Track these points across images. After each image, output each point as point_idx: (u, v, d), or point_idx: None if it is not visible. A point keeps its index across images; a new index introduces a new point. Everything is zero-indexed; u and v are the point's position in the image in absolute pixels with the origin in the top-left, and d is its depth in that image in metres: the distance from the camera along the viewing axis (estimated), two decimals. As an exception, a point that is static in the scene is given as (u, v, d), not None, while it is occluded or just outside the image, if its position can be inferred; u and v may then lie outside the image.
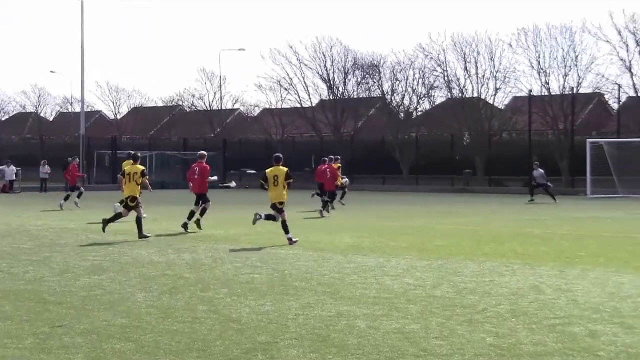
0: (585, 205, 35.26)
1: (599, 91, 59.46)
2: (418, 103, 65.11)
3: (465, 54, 60.96)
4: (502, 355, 8.02)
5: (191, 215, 22.74)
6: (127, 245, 18.46)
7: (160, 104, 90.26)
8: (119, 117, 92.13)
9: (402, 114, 66.03)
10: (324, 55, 68.31)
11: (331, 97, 68.92)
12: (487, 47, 60.48)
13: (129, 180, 20.69)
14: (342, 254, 16.54)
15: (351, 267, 14.45)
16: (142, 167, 21.13)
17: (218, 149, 68.06)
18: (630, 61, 53.72)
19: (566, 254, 16.52)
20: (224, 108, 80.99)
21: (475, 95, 61.02)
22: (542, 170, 38.28)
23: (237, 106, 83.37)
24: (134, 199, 20.58)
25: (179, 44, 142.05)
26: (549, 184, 38.56)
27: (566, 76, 56.57)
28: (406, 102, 65.36)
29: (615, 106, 58.79)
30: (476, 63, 60.72)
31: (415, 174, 59.49)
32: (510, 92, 62.29)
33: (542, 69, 57.32)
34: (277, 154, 19.93)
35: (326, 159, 31.83)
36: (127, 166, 21.43)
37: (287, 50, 72.26)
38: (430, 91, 64.08)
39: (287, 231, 18.82)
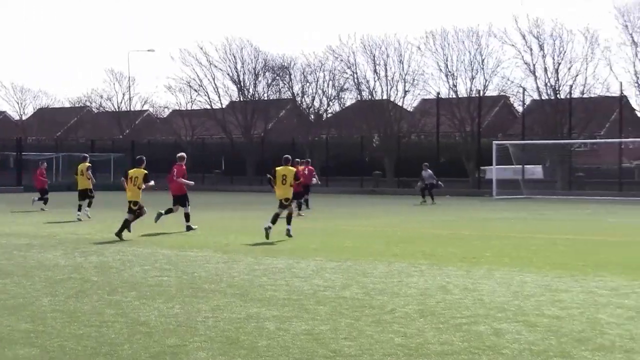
0: (490, 206, 35.94)
1: (504, 94, 60.75)
2: (328, 105, 65.56)
3: (374, 57, 61.59)
4: (410, 355, 8.11)
5: (168, 211, 23.20)
6: (32, 248, 18.08)
7: (67, 105, 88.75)
8: (24, 117, 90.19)
9: (312, 116, 66.32)
10: (234, 57, 68.17)
11: (241, 99, 68.77)
12: (396, 50, 61.23)
13: (132, 184, 21.08)
14: (252, 256, 16.50)
15: (261, 269, 14.43)
16: (144, 171, 21.31)
17: (126, 151, 67.24)
18: (534, 64, 55.06)
19: (472, 254, 16.80)
20: (132, 109, 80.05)
21: (385, 97, 61.66)
22: (430, 171, 38.73)
23: (146, 107, 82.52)
24: (136, 202, 21.09)
25: (87, 44, 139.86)
26: (439, 183, 39.15)
27: (473, 79, 57.66)
28: (316, 103, 65.74)
29: (520, 109, 60.08)
30: (385, 65, 61.40)
31: (325, 175, 59.73)
32: (419, 94, 63.22)
33: (449, 71, 58.27)
34: (286, 155, 21.52)
35: (298, 160, 31.73)
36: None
37: (196, 51, 72.08)
38: (340, 93, 64.57)
39: (289, 222, 20.71)
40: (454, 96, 58.21)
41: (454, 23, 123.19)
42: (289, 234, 20.34)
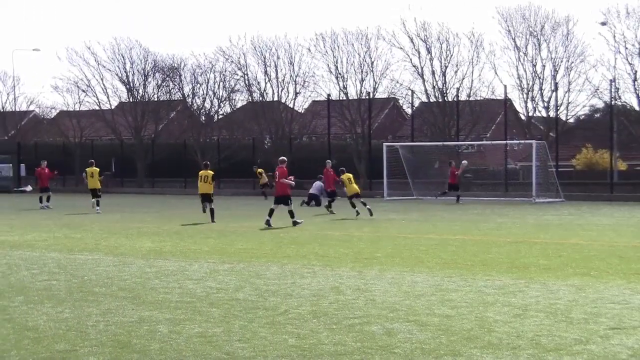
0: (381, 207, 36.36)
1: (393, 96, 61.54)
2: (219, 106, 65.19)
3: (265, 58, 61.53)
4: (304, 356, 8.15)
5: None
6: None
7: (29, 108, 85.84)
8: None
9: (203, 117, 65.87)
10: (123, 57, 67.13)
11: (131, 100, 67.79)
12: (286, 51, 61.32)
13: (203, 181, 27.96)
14: (144, 258, 16.31)
15: (153, 272, 14.28)
16: (212, 172, 28.30)
17: (12, 152, 65.47)
18: (422, 67, 55.97)
19: (364, 254, 16.98)
20: (18, 109, 77.96)
21: (276, 98, 61.72)
22: (320, 183, 38.94)
23: (32, 108, 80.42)
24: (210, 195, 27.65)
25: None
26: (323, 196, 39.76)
27: (363, 81, 58.19)
28: (207, 105, 65.27)
29: (409, 111, 61.00)
30: (276, 67, 61.44)
31: (217, 177, 59.43)
32: (310, 96, 63.44)
33: (339, 73, 58.70)
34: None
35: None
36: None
37: (84, 50, 70.59)
38: (231, 94, 64.29)
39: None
40: (345, 98, 58.71)
41: (343, 25, 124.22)
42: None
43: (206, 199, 27.89)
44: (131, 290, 12.22)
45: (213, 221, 26.68)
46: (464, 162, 42.25)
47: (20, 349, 8.44)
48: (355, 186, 30.63)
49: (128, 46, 67.54)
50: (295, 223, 24.93)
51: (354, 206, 29.91)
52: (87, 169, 34.83)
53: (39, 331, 9.27)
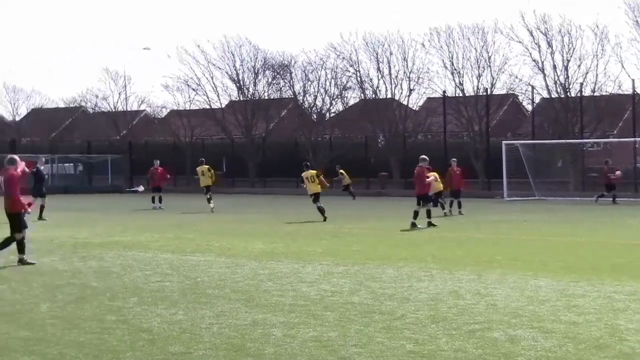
0: (501, 208, 35.91)
1: (512, 92, 60.59)
2: (331, 104, 65.38)
3: (377, 54, 61.49)
4: (423, 362, 8.09)
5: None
6: (29, 253, 18.04)
7: (62, 105, 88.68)
8: (17, 118, 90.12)
9: (314, 115, 66.23)
10: (233, 55, 68.07)
11: (241, 98, 68.67)
12: (399, 47, 61.13)
13: (310, 182, 29.06)
14: (256, 260, 16.50)
15: (265, 274, 14.42)
16: (314, 172, 29.63)
17: (124, 152, 67.22)
18: (543, 62, 54.87)
19: (483, 257, 16.77)
20: (129, 109, 80.00)
21: (389, 96, 61.59)
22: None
23: (143, 107, 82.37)
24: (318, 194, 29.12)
25: (81, 42, 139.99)
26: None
27: (480, 77, 57.54)
28: (318, 102, 65.56)
29: (529, 107, 59.99)
30: (389, 63, 61.33)
31: (329, 176, 59.74)
32: (424, 92, 63.07)
33: (455, 69, 58.18)
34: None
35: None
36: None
37: (194, 49, 71.70)
38: (343, 92, 64.43)
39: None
40: (461, 94, 58.13)
41: (458, 19, 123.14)
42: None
43: (316, 198, 28.64)
44: (244, 292, 12.37)
45: (324, 217, 27.77)
46: (618, 172, 40.63)
47: (135, 350, 8.64)
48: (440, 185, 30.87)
49: (238, 44, 68.46)
50: (414, 225, 24.75)
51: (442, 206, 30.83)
52: (197, 168, 35.77)
53: (153, 333, 9.48)
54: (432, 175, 27.53)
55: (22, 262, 16.08)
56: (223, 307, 11.06)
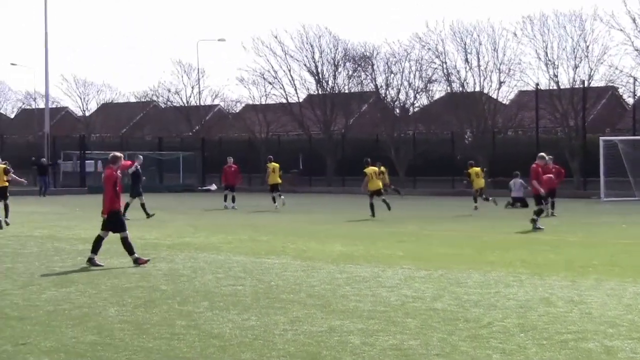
0: (598, 209, 35.37)
1: (612, 84, 59.53)
2: (415, 98, 65.10)
3: (465, 44, 61.01)
4: (510, 374, 8.03)
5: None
6: (98, 254, 18.38)
7: (133, 100, 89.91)
8: (87, 113, 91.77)
9: (397, 110, 66.07)
10: (312, 46, 68.29)
11: (320, 92, 68.84)
12: (489, 37, 60.54)
13: (376, 177, 31.62)
14: (333, 263, 16.54)
15: (343, 278, 14.45)
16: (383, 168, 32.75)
17: (196, 149, 67.95)
18: (646, 52, 53.81)
19: (578, 262, 16.55)
20: (202, 104, 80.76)
21: (477, 89, 61.05)
22: (521, 181, 38.13)
23: (216, 102, 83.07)
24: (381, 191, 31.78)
25: (153, 33, 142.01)
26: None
27: (576, 68, 56.64)
28: (402, 96, 65.34)
29: (630, 101, 58.90)
30: (478, 54, 60.78)
31: (412, 175, 59.59)
32: (516, 85, 62.28)
33: (549, 60, 57.37)
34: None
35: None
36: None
37: (270, 40, 71.95)
38: (428, 85, 64.08)
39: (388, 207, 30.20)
40: (555, 87, 57.34)
41: (553, 6, 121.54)
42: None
43: (377, 194, 30.98)
44: (320, 297, 12.42)
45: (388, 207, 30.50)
46: None
47: (206, 357, 8.74)
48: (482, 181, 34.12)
49: (317, 34, 68.65)
50: (534, 221, 24.59)
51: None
52: (268, 165, 36.57)
53: (225, 339, 9.57)
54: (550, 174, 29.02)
55: (136, 262, 16.37)
56: (298, 313, 11.12)
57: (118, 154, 17.29)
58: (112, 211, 16.73)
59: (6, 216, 27.57)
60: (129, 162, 17.93)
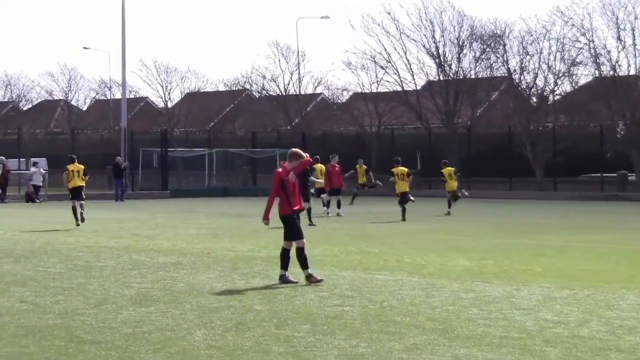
0: None
1: None
2: (555, 84, 64.37)
3: (617, 19, 60.05)
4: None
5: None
6: (182, 268, 18.65)
7: (222, 88, 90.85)
8: (169, 104, 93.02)
9: (534, 98, 65.40)
10: (432, 24, 68.15)
11: (441, 78, 68.60)
12: (647, 9, 59.51)
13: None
14: (458, 280, 16.46)
15: (469, 298, 14.37)
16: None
17: (295, 145, 68.17)
18: None
19: None
20: (302, 92, 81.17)
21: (632, 72, 60.05)
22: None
23: (319, 90, 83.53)
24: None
25: (245, 11, 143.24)
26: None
27: None
28: (539, 82, 64.68)
29: None
30: (633, 31, 59.77)
31: (551, 175, 58.86)
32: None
33: None
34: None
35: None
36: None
37: (383, 17, 72.08)
38: (572, 68, 63.29)
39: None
40: None
41: None
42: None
43: (402, 199, 32.88)
44: (442, 320, 12.36)
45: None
46: None
47: (307, 389, 8.78)
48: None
49: (438, 10, 68.50)
50: None
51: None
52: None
53: (329, 369, 9.60)
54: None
55: (308, 279, 16.30)
56: (416, 339, 11.09)
57: (297, 150, 17.01)
58: (284, 216, 16.74)
59: (80, 217, 30.77)
60: (310, 160, 17.79)
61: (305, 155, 17.03)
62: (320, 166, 37.89)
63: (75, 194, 31.20)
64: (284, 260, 16.59)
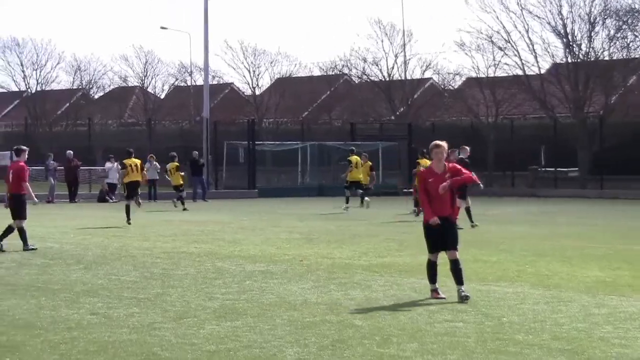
0: None
1: None
2: None
3: None
4: None
5: None
6: (272, 277, 18.71)
7: (317, 73, 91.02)
8: (257, 91, 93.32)
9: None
10: (558, -3, 67.47)
11: (569, 60, 67.91)
12: None
13: None
14: (588, 293, 16.30)
15: (602, 314, 14.23)
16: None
17: (401, 138, 68.00)
18: None
19: None
20: (409, 77, 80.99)
21: None
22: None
23: (428, 74, 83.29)
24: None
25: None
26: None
27: None
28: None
29: None
30: None
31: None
32: None
33: None
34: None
35: None
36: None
37: (504, -10, 71.60)
38: None
39: None
40: None
41: None
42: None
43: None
44: (570, 340, 12.26)
45: None
46: None
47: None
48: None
49: (566, -19, 67.74)
50: None
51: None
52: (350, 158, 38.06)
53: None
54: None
55: (434, 294, 15.93)
56: (540, 361, 11.04)
57: (441, 143, 16.03)
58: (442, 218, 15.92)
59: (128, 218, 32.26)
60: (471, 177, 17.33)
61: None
62: (356, 158, 38.69)
63: (132, 189, 33.16)
64: (431, 273, 16.09)
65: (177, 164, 45.83)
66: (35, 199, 25.82)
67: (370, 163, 43.68)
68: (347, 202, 40.13)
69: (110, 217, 36.61)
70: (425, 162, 32.65)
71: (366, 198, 40.04)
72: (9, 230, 24.39)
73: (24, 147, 25.19)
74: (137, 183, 33.16)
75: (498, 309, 14.69)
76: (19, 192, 24.41)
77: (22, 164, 24.67)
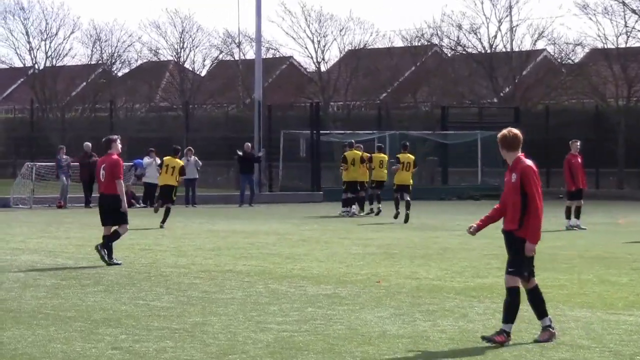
0: None
1: None
2: None
3: None
4: None
5: None
6: (340, 302, 18.70)
7: (398, 44, 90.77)
8: (323, 67, 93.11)
9: None
10: None
11: None
12: None
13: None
14: None
15: None
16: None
17: (504, 123, 67.60)
18: None
19: None
20: (516, 49, 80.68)
21: None
22: None
23: (540, 45, 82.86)
24: None
25: None
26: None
27: None
28: None
29: None
30: None
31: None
32: None
33: None
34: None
35: None
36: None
37: None
38: None
39: None
40: None
41: None
42: None
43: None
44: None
45: None
46: None
47: None
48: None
49: None
50: None
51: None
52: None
53: None
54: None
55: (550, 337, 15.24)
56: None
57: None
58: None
59: (163, 220, 34.15)
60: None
61: None
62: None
63: (163, 195, 34.67)
64: (510, 309, 15.23)
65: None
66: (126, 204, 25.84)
67: (386, 157, 44.59)
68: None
69: (137, 227, 36.79)
70: (407, 157, 33.79)
71: (379, 205, 41.75)
72: (115, 236, 25.09)
73: (114, 136, 25.48)
74: (170, 188, 33.52)
75: (630, 345, 14.61)
76: (116, 192, 24.75)
77: (115, 157, 24.94)
